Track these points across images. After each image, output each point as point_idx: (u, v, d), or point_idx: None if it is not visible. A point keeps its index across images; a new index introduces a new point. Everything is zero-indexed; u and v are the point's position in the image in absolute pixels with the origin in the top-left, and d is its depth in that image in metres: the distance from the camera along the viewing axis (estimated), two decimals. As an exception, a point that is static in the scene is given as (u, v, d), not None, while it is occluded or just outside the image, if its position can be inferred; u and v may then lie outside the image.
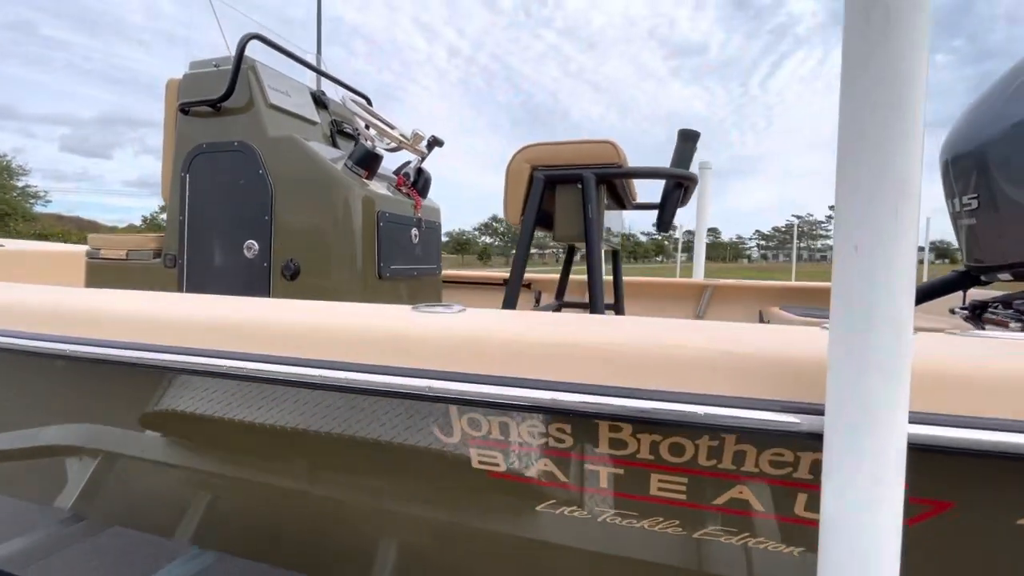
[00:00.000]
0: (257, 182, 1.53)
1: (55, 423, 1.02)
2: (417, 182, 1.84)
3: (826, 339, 0.52)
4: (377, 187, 1.61)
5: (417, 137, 1.72)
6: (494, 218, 68.07)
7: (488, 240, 67.15)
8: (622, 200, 1.79)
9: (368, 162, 1.55)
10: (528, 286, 2.67)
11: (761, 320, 2.32)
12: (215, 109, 1.61)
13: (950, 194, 1.27)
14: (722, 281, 2.52)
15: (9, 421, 1.08)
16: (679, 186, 1.52)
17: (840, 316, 0.50)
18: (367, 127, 1.68)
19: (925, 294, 1.42)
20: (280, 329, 0.79)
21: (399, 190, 1.76)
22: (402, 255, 1.67)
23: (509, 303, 1.45)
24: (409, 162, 1.86)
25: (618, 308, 1.98)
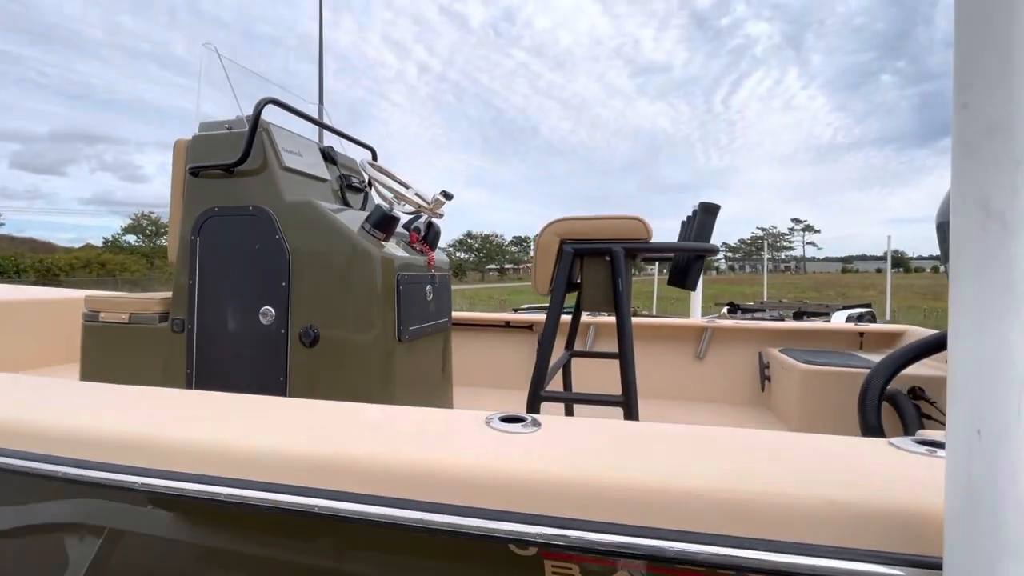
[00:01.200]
0: (274, 247, 1.50)
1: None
2: (427, 235, 1.81)
3: (939, 470, 0.48)
4: (394, 248, 1.59)
5: (437, 202, 1.70)
6: (468, 235, 68.22)
7: (463, 256, 67.18)
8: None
9: (385, 225, 1.53)
10: (530, 327, 2.69)
11: (760, 362, 2.38)
12: (228, 172, 1.59)
13: (944, 257, 1.30)
14: (721, 322, 2.56)
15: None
16: (700, 257, 1.60)
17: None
18: (375, 186, 1.68)
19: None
20: (346, 464, 0.71)
21: (413, 247, 1.74)
22: (419, 314, 1.64)
23: (540, 370, 1.41)
24: (419, 216, 1.85)
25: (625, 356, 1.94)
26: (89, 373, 1.74)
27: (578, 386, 2.18)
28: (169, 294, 1.70)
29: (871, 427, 1.41)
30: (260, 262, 1.51)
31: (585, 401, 1.43)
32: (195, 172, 1.62)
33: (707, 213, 1.54)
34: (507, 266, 73.56)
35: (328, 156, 1.97)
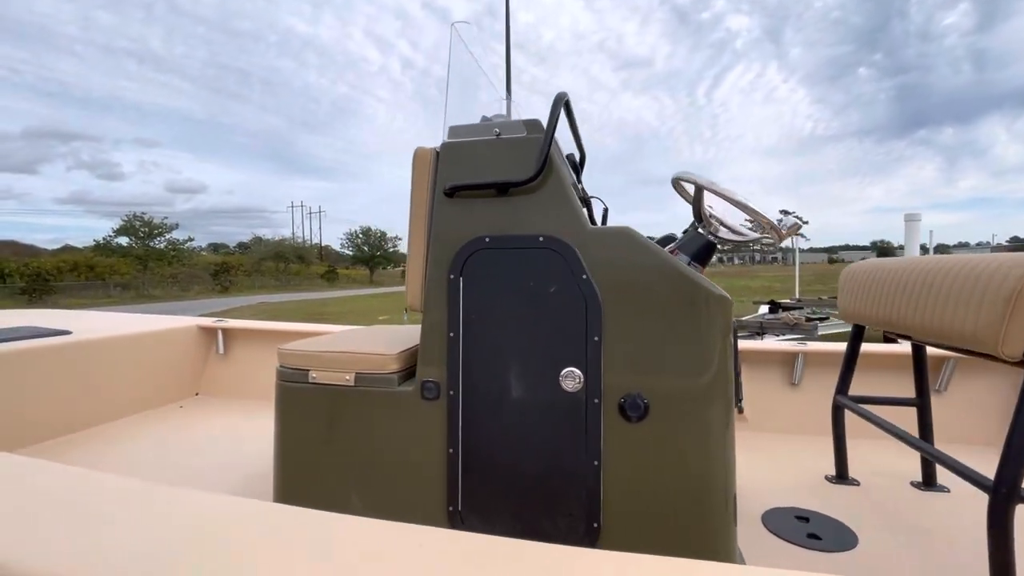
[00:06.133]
0: (577, 290, 1.17)
1: None
2: (706, 261, 1.38)
3: None
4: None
5: (794, 227, 1.28)
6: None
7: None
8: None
9: (706, 256, 1.26)
10: None
11: None
12: (501, 192, 1.23)
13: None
14: (814, 346, 2.39)
15: None
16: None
17: None
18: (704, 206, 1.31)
19: None
20: None
21: None
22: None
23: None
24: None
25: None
26: (291, 462, 1.37)
27: None
28: (404, 347, 1.35)
29: None
30: (558, 309, 1.18)
31: None
32: (451, 192, 1.26)
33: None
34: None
35: (575, 165, 1.61)
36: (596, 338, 1.16)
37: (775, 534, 1.44)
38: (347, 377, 1.31)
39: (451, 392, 1.23)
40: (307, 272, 46.72)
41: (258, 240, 50.46)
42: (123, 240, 35.26)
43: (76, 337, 2.33)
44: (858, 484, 1.75)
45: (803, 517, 1.53)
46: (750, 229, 1.34)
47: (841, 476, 1.78)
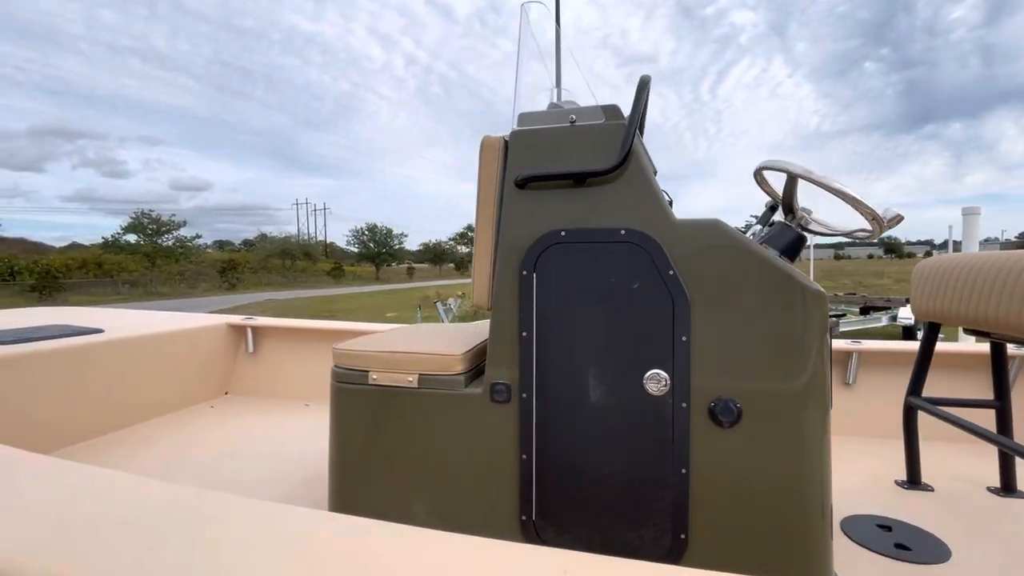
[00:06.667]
0: (663, 287, 1.10)
1: None
2: (794, 256, 1.28)
3: None
4: None
5: (894, 220, 1.17)
6: (469, 228, 67.71)
7: (464, 249, 66.66)
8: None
9: (795, 250, 1.19)
10: None
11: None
12: (578, 182, 1.16)
13: None
14: (869, 345, 2.28)
15: None
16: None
17: None
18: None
19: None
20: None
21: None
22: None
23: None
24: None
25: None
26: (347, 468, 1.30)
27: None
28: (468, 346, 1.28)
29: None
30: (641, 307, 1.10)
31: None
32: (523, 183, 1.18)
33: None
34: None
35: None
36: (684, 338, 1.08)
37: (861, 544, 1.37)
38: (410, 379, 1.24)
39: (523, 395, 1.17)
40: (313, 269, 46.80)
41: (263, 237, 50.55)
42: (131, 237, 35.35)
43: (109, 336, 2.28)
44: (932, 490, 1.67)
45: (885, 526, 1.45)
46: (875, 218, 1.17)
47: (913, 481, 1.71)
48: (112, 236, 35.55)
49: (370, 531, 0.71)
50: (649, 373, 1.10)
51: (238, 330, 2.93)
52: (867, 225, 1.16)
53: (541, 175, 1.17)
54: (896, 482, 1.73)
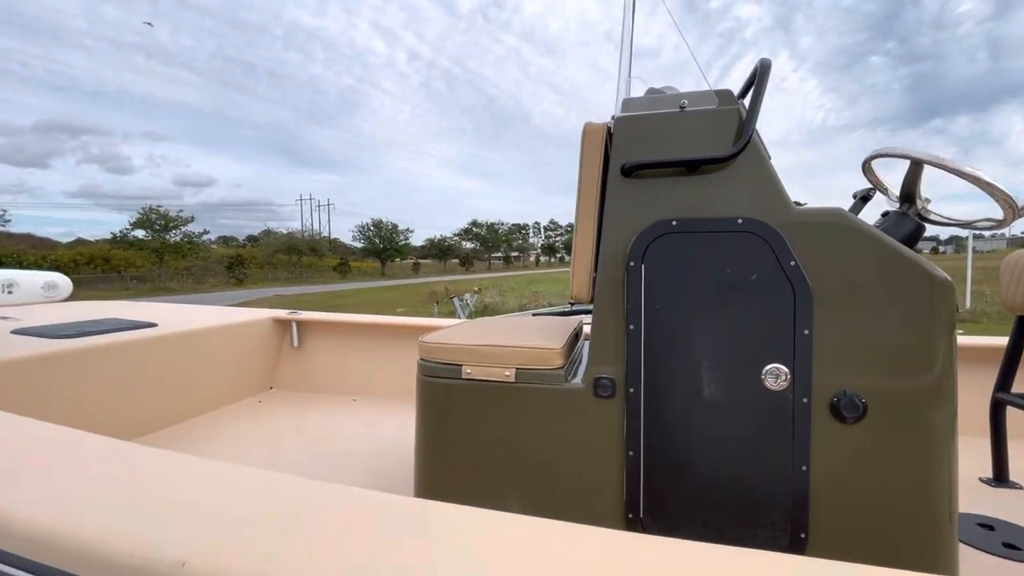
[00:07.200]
0: (783, 278, 1.05)
1: None
2: (913, 247, 1.20)
3: None
4: None
5: None
6: (474, 223, 67.56)
7: (469, 245, 66.56)
8: None
9: (914, 241, 1.14)
10: None
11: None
12: (690, 170, 1.12)
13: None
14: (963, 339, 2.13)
15: None
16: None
17: None
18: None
19: None
20: None
21: None
22: None
23: None
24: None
25: None
26: (438, 463, 1.27)
27: None
28: (565, 339, 1.24)
29: None
30: (760, 299, 1.06)
31: None
32: (629, 171, 1.14)
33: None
34: (512, 254, 73.44)
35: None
36: (806, 331, 1.04)
37: (968, 544, 1.34)
38: (507, 372, 1.21)
39: (630, 389, 1.13)
40: (319, 265, 46.82)
41: (268, 233, 50.57)
42: (139, 233, 35.44)
43: (163, 330, 2.27)
44: (1021, 488, 1.64)
45: (986, 525, 1.42)
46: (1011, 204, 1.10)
47: (1000, 479, 1.67)
48: (120, 232, 35.62)
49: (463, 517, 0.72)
50: (768, 367, 1.06)
51: (282, 324, 2.92)
52: (994, 214, 1.11)
53: (649, 163, 1.13)
54: (981, 479, 1.70)
